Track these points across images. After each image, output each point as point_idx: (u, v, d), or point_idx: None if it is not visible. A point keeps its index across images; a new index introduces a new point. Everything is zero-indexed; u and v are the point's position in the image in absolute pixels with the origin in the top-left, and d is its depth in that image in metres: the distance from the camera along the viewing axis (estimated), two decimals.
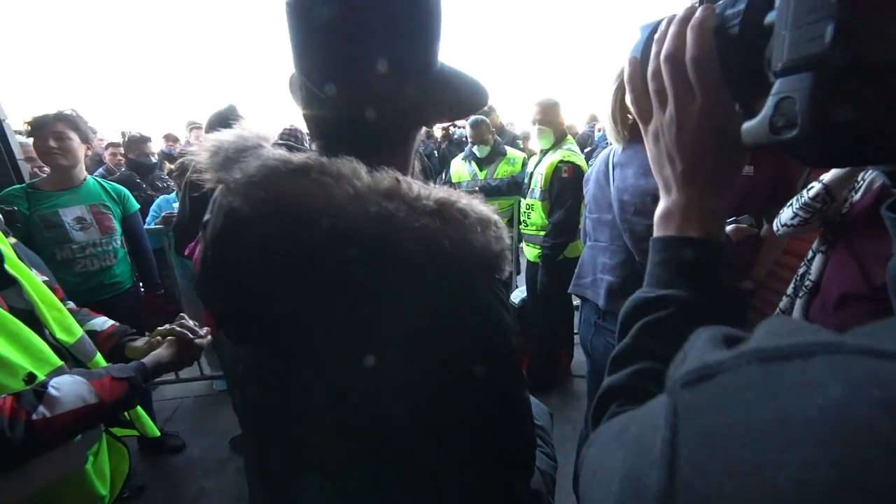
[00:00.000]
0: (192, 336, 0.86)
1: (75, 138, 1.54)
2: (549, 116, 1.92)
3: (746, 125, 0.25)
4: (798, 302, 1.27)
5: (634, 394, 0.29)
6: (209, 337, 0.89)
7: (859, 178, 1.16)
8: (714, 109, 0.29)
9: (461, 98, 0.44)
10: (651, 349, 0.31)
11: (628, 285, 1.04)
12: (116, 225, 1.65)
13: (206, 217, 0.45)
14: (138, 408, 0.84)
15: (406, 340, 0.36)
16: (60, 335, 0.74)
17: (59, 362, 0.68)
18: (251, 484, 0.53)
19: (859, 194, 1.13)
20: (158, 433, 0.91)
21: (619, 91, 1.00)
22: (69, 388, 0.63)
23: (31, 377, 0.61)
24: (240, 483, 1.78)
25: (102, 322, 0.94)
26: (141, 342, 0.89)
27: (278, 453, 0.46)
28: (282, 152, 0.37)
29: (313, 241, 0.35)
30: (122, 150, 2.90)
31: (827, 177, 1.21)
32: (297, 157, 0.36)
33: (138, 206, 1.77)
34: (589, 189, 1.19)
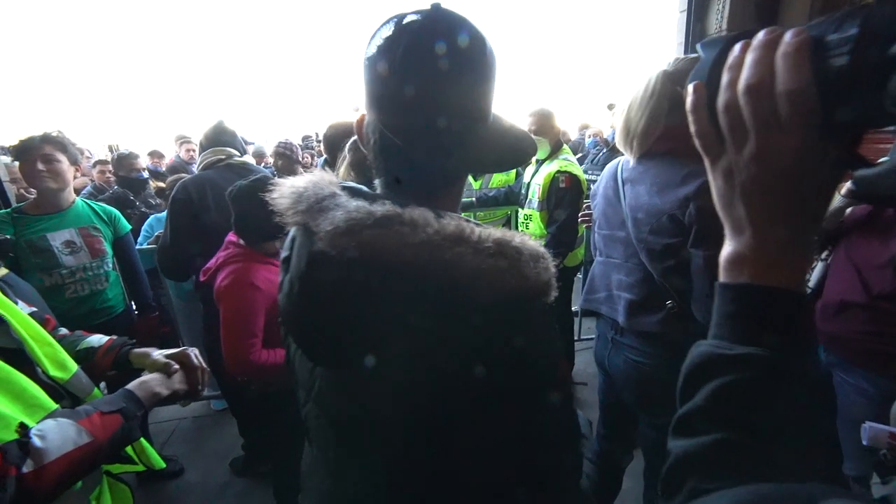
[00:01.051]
0: (196, 363, 0.83)
1: (64, 160, 1.50)
2: (544, 126, 1.93)
3: (864, 173, 0.22)
4: None
5: (720, 472, 0.26)
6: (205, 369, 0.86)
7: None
8: (809, 149, 0.26)
9: (513, 146, 0.49)
10: (732, 418, 0.27)
11: (648, 303, 1.02)
12: (107, 247, 1.61)
13: (286, 253, 0.50)
14: (142, 440, 0.81)
15: (468, 369, 0.40)
16: (54, 372, 0.71)
17: (54, 405, 0.64)
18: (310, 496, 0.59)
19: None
20: (164, 465, 0.87)
21: (655, 104, 0.94)
22: (54, 433, 0.59)
23: (23, 428, 0.58)
24: None
25: (99, 338, 0.90)
26: (140, 348, 0.86)
27: (351, 463, 0.51)
28: (362, 204, 0.41)
29: (391, 281, 0.40)
30: (110, 167, 2.84)
31: None
32: (379, 210, 0.40)
33: (129, 227, 1.72)
34: (597, 204, 1.17)
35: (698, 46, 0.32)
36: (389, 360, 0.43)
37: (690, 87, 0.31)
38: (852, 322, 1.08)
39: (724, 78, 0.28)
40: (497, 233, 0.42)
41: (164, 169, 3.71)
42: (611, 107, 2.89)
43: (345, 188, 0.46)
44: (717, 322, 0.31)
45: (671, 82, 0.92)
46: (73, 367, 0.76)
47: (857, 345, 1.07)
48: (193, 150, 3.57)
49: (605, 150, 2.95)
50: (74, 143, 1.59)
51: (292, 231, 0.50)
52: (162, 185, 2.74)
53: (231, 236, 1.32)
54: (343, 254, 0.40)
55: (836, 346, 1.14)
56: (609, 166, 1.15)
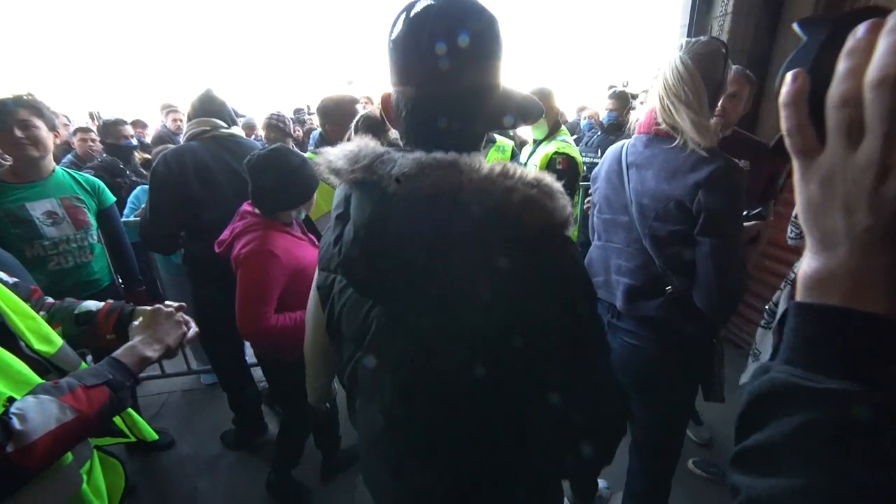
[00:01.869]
0: (176, 313, 0.81)
1: (42, 126, 1.43)
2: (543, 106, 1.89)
3: None
4: (784, 291, 1.31)
5: None
6: (194, 327, 0.84)
7: None
8: None
9: (523, 106, 0.55)
10: (828, 464, 0.23)
11: (648, 288, 1.03)
12: (91, 219, 1.56)
13: (339, 210, 0.56)
14: (131, 412, 0.79)
15: (526, 294, 0.47)
16: (39, 346, 0.68)
17: (39, 381, 0.63)
18: (372, 442, 0.65)
19: None
20: (157, 437, 0.86)
21: (689, 89, 0.88)
22: (34, 412, 0.56)
23: (11, 402, 0.56)
24: (234, 480, 1.77)
25: (95, 303, 0.87)
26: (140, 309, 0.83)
27: (410, 405, 0.56)
28: (421, 153, 0.47)
29: (458, 215, 0.46)
30: (92, 135, 2.73)
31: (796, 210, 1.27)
32: (440, 155, 0.47)
33: (114, 198, 1.67)
34: (599, 188, 1.15)
35: (795, 26, 0.28)
36: (458, 295, 0.48)
37: (789, 76, 0.26)
38: None
39: (843, 65, 0.24)
40: (531, 171, 0.49)
41: (147, 140, 3.57)
42: (611, 87, 2.83)
43: (391, 147, 0.52)
44: (792, 346, 0.27)
45: (695, 67, 0.88)
46: (59, 341, 0.74)
47: None
48: (181, 120, 3.43)
49: (599, 133, 2.91)
50: (49, 107, 1.50)
51: (342, 190, 0.56)
52: (148, 156, 2.65)
53: (246, 206, 1.32)
54: (415, 193, 0.45)
55: None
56: (612, 149, 1.12)
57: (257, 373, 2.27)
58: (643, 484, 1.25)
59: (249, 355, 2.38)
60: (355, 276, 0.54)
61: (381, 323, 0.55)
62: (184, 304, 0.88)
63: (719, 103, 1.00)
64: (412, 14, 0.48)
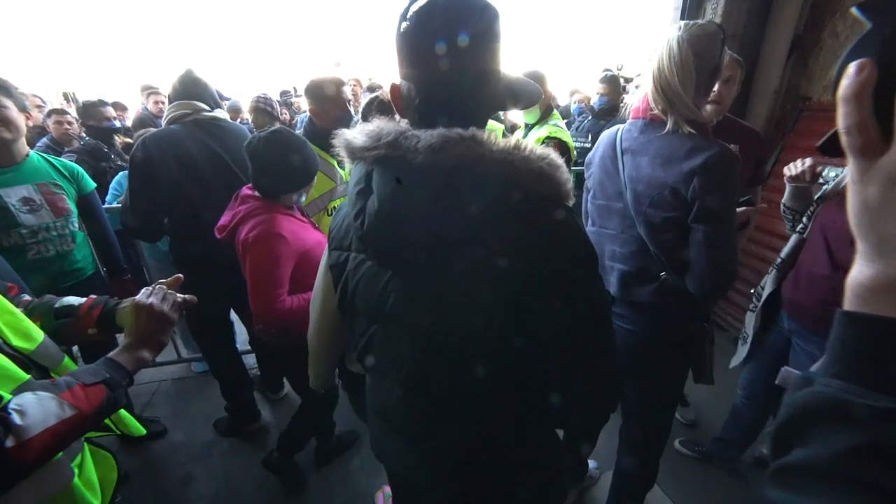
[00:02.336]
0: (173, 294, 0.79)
1: (11, 106, 1.35)
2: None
3: None
4: (770, 276, 1.34)
5: None
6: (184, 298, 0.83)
7: (824, 175, 1.23)
8: None
9: (522, 90, 0.59)
10: (884, 493, 0.21)
11: (642, 274, 1.03)
12: (72, 206, 1.50)
13: (360, 186, 0.59)
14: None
15: (536, 258, 0.53)
16: (18, 342, 0.67)
17: (25, 376, 0.61)
18: (386, 410, 0.70)
19: (831, 185, 1.17)
20: (145, 431, 0.86)
21: (685, 71, 0.87)
22: (34, 408, 0.56)
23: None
24: (227, 467, 1.78)
25: (77, 298, 0.84)
26: (126, 303, 0.80)
27: (430, 370, 0.61)
28: (443, 130, 0.51)
29: (479, 186, 0.51)
30: (68, 117, 2.61)
31: (784, 197, 1.31)
32: (461, 131, 0.51)
33: (94, 184, 1.61)
34: (593, 173, 1.14)
35: (855, 10, 0.25)
36: (475, 261, 0.53)
37: (852, 67, 0.24)
38: (816, 292, 1.14)
39: None
40: (538, 145, 0.54)
41: (128, 123, 3.44)
42: (605, 70, 2.79)
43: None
44: (841, 359, 0.25)
45: (692, 50, 0.87)
46: (40, 336, 0.72)
47: (816, 313, 1.14)
48: (163, 102, 3.29)
49: (589, 118, 2.89)
50: (16, 87, 1.42)
51: (362, 168, 0.59)
52: (129, 140, 2.55)
53: (246, 189, 1.29)
54: (439, 165, 0.50)
55: (799, 315, 1.21)
56: (606, 134, 1.10)
57: (249, 360, 2.27)
58: (632, 464, 1.28)
59: (241, 343, 2.37)
60: (379, 246, 0.58)
61: (399, 294, 0.59)
62: (180, 276, 0.86)
63: (715, 88, 0.99)
64: (420, 7, 0.52)
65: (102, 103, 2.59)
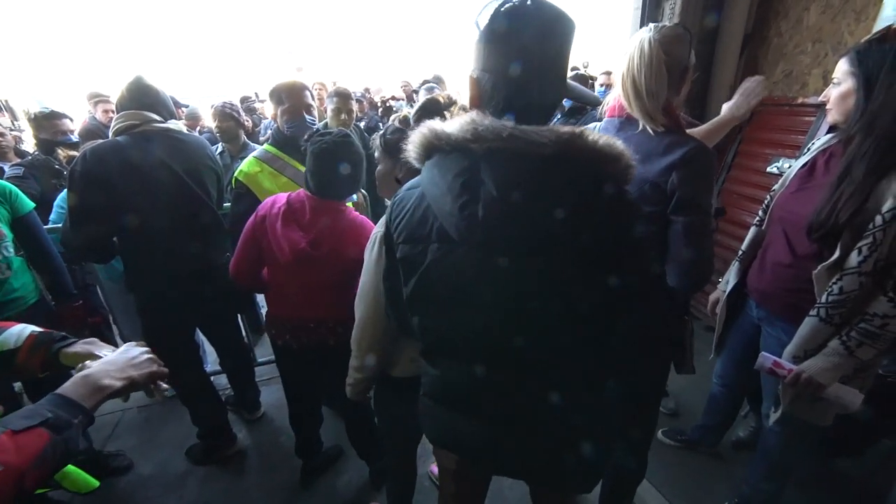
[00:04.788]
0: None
1: None
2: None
3: None
4: (733, 268, 1.39)
5: None
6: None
7: (779, 166, 1.27)
8: None
9: (583, 92, 0.73)
10: None
11: None
12: (5, 229, 1.36)
13: (464, 178, 0.61)
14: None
15: (618, 239, 0.61)
16: None
17: None
18: (467, 396, 0.75)
19: (790, 179, 1.22)
20: (97, 484, 0.72)
21: (657, 72, 0.89)
22: None
23: None
24: (205, 496, 1.67)
25: (18, 332, 0.72)
26: (79, 346, 0.70)
27: (531, 348, 0.66)
28: (555, 125, 0.60)
29: (588, 175, 0.59)
30: (7, 129, 2.38)
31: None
32: (570, 128, 0.58)
33: (32, 204, 1.46)
34: None
35: None
36: (578, 246, 0.59)
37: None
38: (780, 280, 1.18)
39: None
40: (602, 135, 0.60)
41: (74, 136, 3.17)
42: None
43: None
44: None
45: (662, 50, 0.88)
46: None
47: (782, 300, 1.18)
48: (112, 111, 3.07)
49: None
50: None
51: (458, 160, 0.61)
52: (74, 153, 2.35)
53: (305, 197, 1.26)
54: (575, 155, 0.57)
55: (766, 302, 1.26)
56: None
57: (219, 381, 2.15)
58: (622, 458, 1.29)
59: (211, 362, 2.24)
60: (494, 234, 0.61)
61: (499, 276, 0.63)
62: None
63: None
64: (512, 7, 0.58)
65: (58, 115, 2.37)
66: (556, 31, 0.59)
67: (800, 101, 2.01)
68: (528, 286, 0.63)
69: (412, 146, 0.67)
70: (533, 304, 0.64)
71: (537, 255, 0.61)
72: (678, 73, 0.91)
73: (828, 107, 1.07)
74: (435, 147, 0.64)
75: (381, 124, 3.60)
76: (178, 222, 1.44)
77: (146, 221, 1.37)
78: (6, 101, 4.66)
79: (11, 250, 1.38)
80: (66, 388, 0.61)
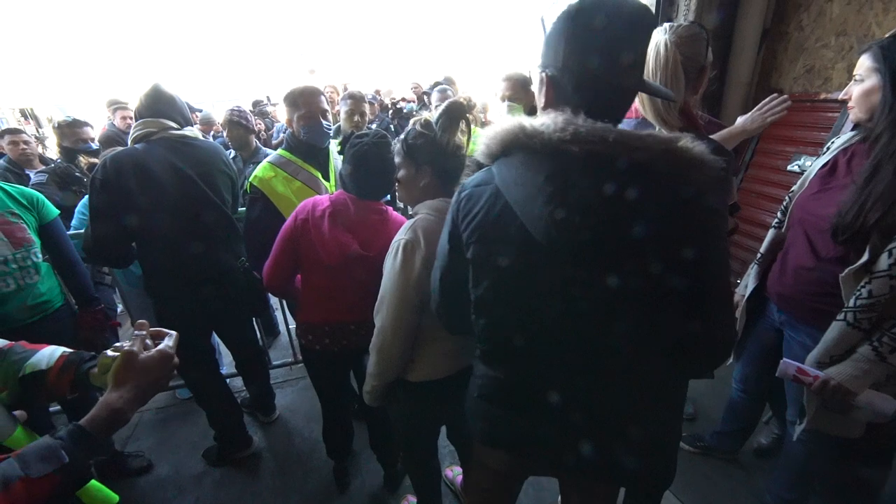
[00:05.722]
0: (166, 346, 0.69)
1: None
2: (518, 92, 1.84)
3: None
4: (752, 271, 1.35)
5: None
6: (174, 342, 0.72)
7: (800, 164, 1.23)
8: None
9: (656, 88, 0.67)
10: None
11: None
12: (33, 236, 1.40)
13: (545, 175, 0.59)
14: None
15: (709, 221, 0.61)
16: None
17: None
18: (540, 399, 0.72)
19: (810, 179, 1.18)
20: (117, 498, 0.72)
21: (673, 73, 0.88)
22: None
23: None
24: (220, 497, 1.69)
25: (49, 355, 0.72)
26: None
27: (600, 342, 0.65)
28: (651, 131, 0.66)
29: (673, 181, 0.58)
30: (24, 136, 2.46)
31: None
32: (658, 131, 0.54)
33: (57, 211, 1.50)
34: None
35: None
36: (659, 250, 0.58)
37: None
38: (803, 284, 1.15)
39: None
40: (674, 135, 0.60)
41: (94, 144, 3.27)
42: None
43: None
44: None
45: (678, 52, 0.87)
46: None
47: (805, 304, 1.15)
48: (131, 118, 3.15)
49: None
50: None
51: (546, 161, 0.59)
52: (95, 160, 2.42)
53: (347, 199, 1.22)
54: (673, 164, 0.56)
55: (789, 307, 1.22)
56: None
57: (235, 383, 2.18)
58: None
59: (227, 364, 2.28)
60: (590, 240, 0.59)
61: (586, 283, 0.62)
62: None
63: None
64: (588, 7, 0.56)
65: (81, 123, 2.44)
66: (646, 23, 0.57)
67: (822, 96, 1.95)
68: (614, 294, 0.61)
69: (488, 140, 0.65)
70: (619, 311, 0.62)
71: (626, 263, 0.59)
72: (695, 73, 0.89)
73: (850, 104, 1.03)
74: (521, 144, 0.61)
75: (391, 126, 3.61)
76: (195, 227, 1.46)
77: (164, 227, 1.39)
78: (31, 110, 4.81)
79: (39, 256, 1.42)
80: (92, 419, 0.60)
